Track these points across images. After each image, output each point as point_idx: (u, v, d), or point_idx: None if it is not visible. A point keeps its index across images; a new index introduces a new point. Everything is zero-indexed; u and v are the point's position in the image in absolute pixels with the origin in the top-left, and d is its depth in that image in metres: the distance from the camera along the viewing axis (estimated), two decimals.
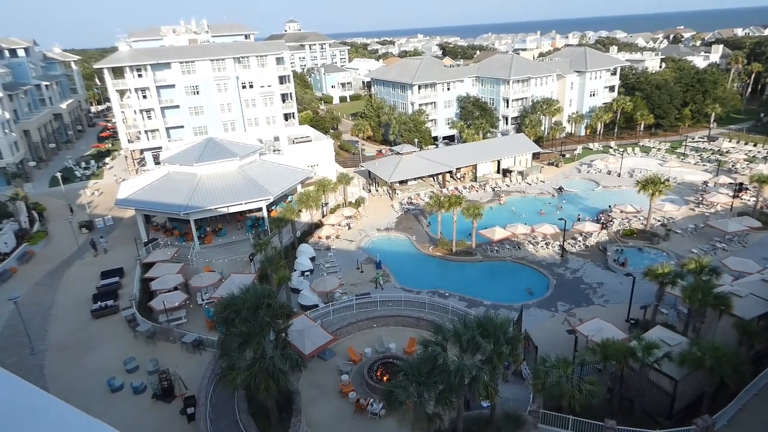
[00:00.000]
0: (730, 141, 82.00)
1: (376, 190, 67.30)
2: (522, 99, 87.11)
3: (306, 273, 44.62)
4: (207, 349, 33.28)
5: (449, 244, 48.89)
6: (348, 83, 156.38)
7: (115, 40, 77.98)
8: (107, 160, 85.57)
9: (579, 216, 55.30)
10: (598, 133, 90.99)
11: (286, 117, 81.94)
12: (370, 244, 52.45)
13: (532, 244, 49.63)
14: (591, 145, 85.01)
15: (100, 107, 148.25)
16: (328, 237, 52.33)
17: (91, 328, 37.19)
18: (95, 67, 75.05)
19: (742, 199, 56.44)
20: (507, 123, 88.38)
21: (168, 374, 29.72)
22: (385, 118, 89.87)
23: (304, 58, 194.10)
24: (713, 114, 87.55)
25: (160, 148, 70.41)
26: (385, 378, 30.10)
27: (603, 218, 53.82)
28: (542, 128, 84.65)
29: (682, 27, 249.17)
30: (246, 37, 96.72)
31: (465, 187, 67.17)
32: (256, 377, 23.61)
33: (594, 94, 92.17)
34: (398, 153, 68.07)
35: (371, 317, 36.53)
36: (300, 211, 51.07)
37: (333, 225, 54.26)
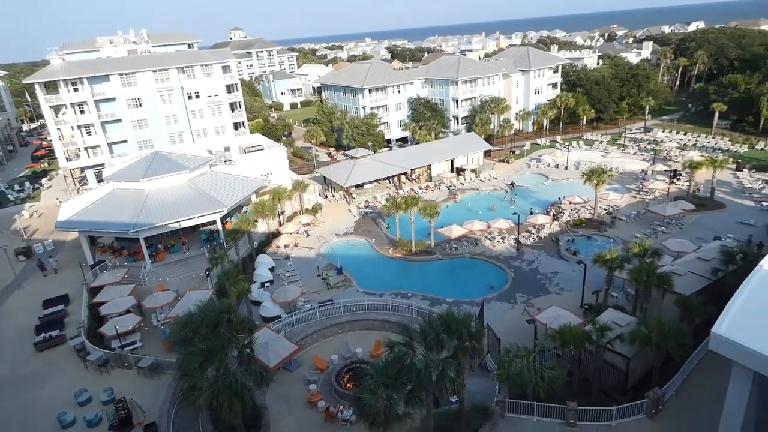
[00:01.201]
0: (663, 131, 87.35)
1: (333, 196, 67.02)
2: (471, 99, 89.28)
3: (266, 284, 43.81)
4: (165, 371, 31.97)
5: (408, 244, 49.37)
6: (298, 89, 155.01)
7: (46, 53, 73.86)
8: (44, 180, 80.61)
9: (532, 209, 57.17)
10: (544, 128, 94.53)
11: (236, 126, 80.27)
12: (329, 250, 52.15)
13: (489, 239, 50.88)
14: (539, 141, 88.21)
15: (33, 125, 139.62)
16: (286, 246, 51.60)
17: (35, 362, 34.80)
18: (25, 82, 70.80)
19: (677, 184, 60.15)
20: (458, 123, 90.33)
21: (125, 402, 28.30)
22: (338, 123, 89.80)
23: (251, 65, 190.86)
24: (647, 106, 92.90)
25: (102, 164, 67.22)
26: (350, 384, 29.99)
27: (554, 210, 55.92)
28: (492, 126, 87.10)
29: (615, 26, 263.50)
30: (189, 46, 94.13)
31: (421, 188, 68.04)
32: (219, 396, 22.89)
33: (539, 92, 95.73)
34: (352, 157, 68.14)
35: (336, 323, 36.32)
36: (256, 221, 50.13)
37: (291, 233, 53.59)
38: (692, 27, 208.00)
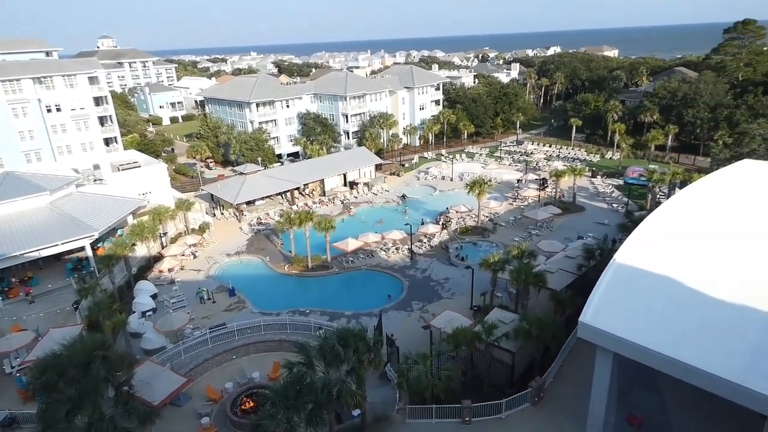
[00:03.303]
0: (532, 144, 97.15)
1: (222, 214, 63.71)
2: (360, 114, 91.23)
3: (148, 313, 39.98)
4: (23, 426, 27.50)
5: (304, 260, 48.58)
6: (179, 103, 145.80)
7: None
8: None
9: (423, 220, 59.58)
10: (430, 142, 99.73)
11: (107, 142, 73.13)
12: (220, 271, 49.31)
13: (384, 250, 52.01)
14: (426, 154, 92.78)
15: None
16: (170, 269, 47.77)
17: None
18: None
19: (545, 191, 67.12)
20: (349, 137, 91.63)
21: None
22: (224, 138, 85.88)
23: (123, 77, 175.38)
24: (518, 122, 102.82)
25: None
26: (248, 405, 28.49)
27: (442, 219, 58.98)
28: (381, 141, 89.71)
29: (487, 48, 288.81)
30: (47, 54, 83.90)
31: (315, 202, 67.58)
32: None
33: (423, 108, 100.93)
34: (241, 173, 65.57)
35: (229, 348, 34.30)
36: (134, 244, 45.75)
37: (175, 256, 49.78)
38: (551, 51, 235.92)
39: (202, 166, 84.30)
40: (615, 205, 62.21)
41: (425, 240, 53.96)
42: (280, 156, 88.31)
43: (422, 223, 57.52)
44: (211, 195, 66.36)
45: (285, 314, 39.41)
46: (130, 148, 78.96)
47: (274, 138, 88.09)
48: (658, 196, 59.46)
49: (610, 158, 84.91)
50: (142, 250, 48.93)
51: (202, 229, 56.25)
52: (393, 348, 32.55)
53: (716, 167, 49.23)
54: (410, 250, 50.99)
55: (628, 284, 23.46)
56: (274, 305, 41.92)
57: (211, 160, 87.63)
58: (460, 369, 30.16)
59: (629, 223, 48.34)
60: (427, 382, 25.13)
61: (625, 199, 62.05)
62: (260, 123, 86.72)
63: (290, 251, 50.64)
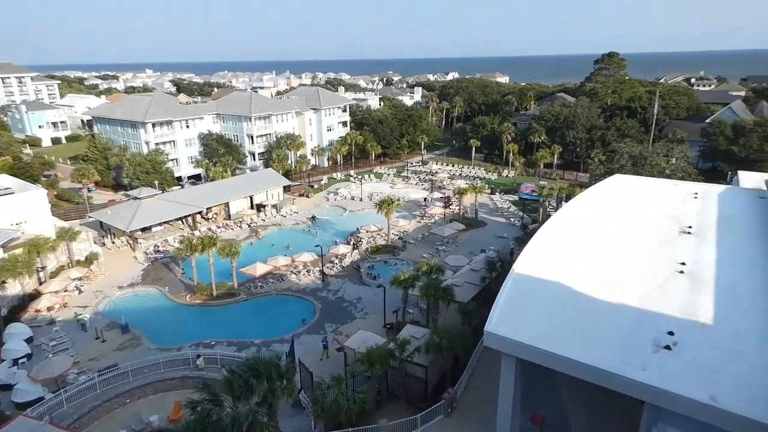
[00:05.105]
0: (437, 164, 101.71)
1: (113, 242, 58.22)
2: (266, 135, 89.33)
3: (21, 360, 34.99)
4: None
5: (208, 288, 45.85)
6: (62, 122, 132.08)
7: None
8: None
9: (336, 241, 59.13)
10: (339, 163, 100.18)
11: None
12: (111, 306, 44.80)
13: (294, 273, 50.77)
14: (335, 175, 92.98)
15: None
16: (50, 308, 42.43)
17: None
18: None
19: (450, 208, 70.27)
20: (254, 159, 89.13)
21: None
22: (116, 161, 79.11)
23: None
24: (422, 143, 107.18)
25: None
26: None
27: (353, 239, 59.13)
28: (289, 162, 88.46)
29: (391, 72, 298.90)
30: None
31: (219, 227, 64.36)
32: None
33: (330, 129, 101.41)
34: (135, 197, 60.69)
35: (122, 392, 31.10)
36: (4, 282, 40.06)
37: (56, 292, 44.39)
38: (450, 76, 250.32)
39: (87, 192, 76.58)
40: (512, 219, 66.85)
41: (336, 261, 53.62)
42: (179, 179, 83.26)
43: (335, 244, 57.13)
44: (101, 222, 60.54)
45: (187, 348, 36.77)
46: (2, 172, 69.62)
47: (172, 160, 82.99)
48: (548, 209, 64.94)
49: (506, 176, 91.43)
50: (14, 288, 42.97)
51: (90, 260, 50.94)
52: (339, 348, 33.39)
53: (594, 182, 54.99)
54: (321, 272, 50.32)
55: (526, 292, 25.06)
56: (176, 339, 38.88)
57: (91, 183, 79.65)
58: (376, 388, 30.01)
59: (524, 236, 52.10)
60: (344, 405, 24.63)
61: (521, 214, 66.97)
62: (157, 144, 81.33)
63: (192, 279, 47.52)
